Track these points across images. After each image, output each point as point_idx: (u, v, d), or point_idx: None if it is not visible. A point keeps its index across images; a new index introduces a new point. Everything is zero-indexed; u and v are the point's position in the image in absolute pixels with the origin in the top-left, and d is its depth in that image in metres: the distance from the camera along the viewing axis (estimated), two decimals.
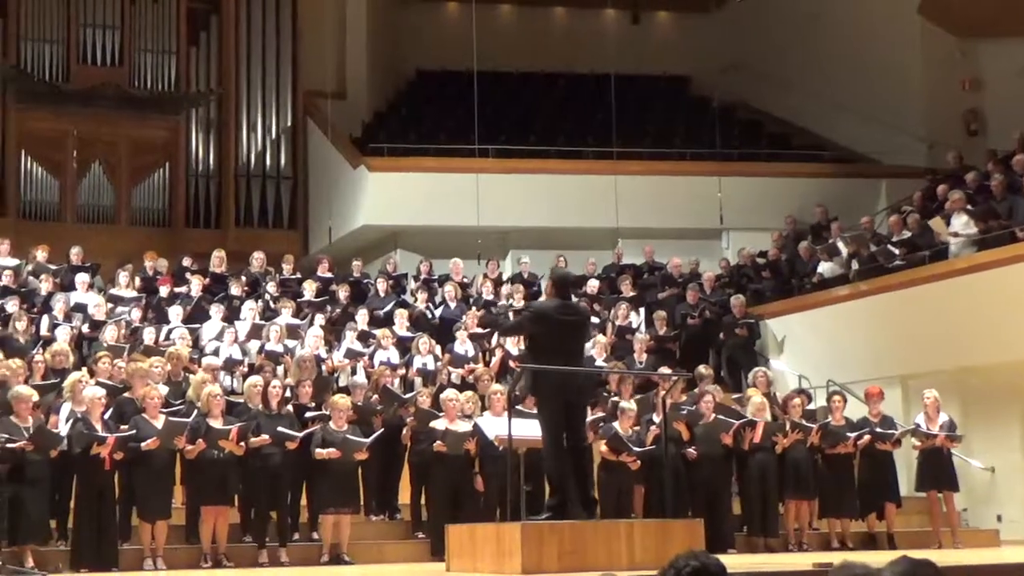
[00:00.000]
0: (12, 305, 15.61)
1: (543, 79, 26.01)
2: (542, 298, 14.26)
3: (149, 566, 11.37)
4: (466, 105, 21.42)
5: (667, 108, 25.57)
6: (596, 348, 15.86)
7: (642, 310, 18.76)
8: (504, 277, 19.75)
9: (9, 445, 10.71)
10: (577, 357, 10.32)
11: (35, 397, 11.40)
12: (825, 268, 18.55)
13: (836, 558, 9.97)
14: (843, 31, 23.47)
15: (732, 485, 13.61)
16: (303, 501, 12.67)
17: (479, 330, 16.74)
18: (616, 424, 12.94)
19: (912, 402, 15.73)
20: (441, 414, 12.89)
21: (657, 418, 12.84)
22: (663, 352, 17.42)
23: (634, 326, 17.94)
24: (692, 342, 18.29)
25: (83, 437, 11.13)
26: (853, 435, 13.73)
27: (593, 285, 18.80)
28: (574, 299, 11.02)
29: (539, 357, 9.92)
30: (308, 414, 12.67)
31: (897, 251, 17.11)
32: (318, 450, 12.08)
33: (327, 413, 12.50)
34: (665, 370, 14.87)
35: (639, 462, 12.84)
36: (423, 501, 13.05)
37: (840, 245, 18.48)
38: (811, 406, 14.95)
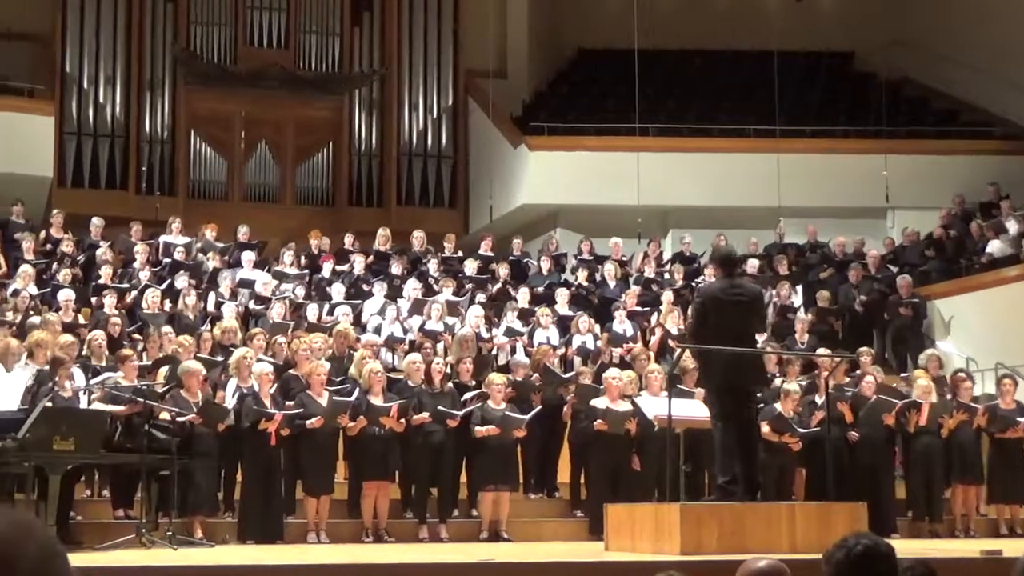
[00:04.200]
0: (182, 282, 15.99)
1: (704, 57, 25.75)
2: (709, 278, 14.09)
3: (312, 539, 11.58)
4: (627, 83, 21.33)
5: (830, 85, 25.15)
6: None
7: (800, 289, 18.50)
8: (664, 256, 19.67)
9: (179, 419, 10.99)
10: (747, 337, 10.04)
11: (203, 372, 11.69)
12: (994, 247, 18.09)
13: (1004, 545, 9.75)
14: (1013, 2, 22.79)
15: (895, 468, 13.37)
16: (463, 478, 12.78)
17: (638, 309, 16.69)
18: (778, 405, 12.80)
19: None
20: (602, 387, 12.86)
21: (820, 399, 12.70)
22: (825, 333, 17.17)
23: (795, 306, 17.72)
24: (855, 323, 18.00)
25: (252, 412, 11.38)
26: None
27: (753, 264, 18.61)
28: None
29: (709, 338, 9.80)
30: (468, 394, 12.75)
31: None
32: (477, 427, 12.16)
33: (486, 391, 12.58)
34: (827, 351, 14.65)
35: (801, 443, 12.69)
36: (582, 480, 13.06)
37: (1011, 224, 18.00)
38: (976, 390, 14.60)
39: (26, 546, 1.50)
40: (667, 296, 16.90)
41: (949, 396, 13.55)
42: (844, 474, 12.56)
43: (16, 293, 15.08)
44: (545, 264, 18.57)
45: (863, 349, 14.58)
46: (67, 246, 16.95)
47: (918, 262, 19.35)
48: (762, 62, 22.52)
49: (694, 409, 11.72)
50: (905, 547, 9.97)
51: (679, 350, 12.34)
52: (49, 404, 10.01)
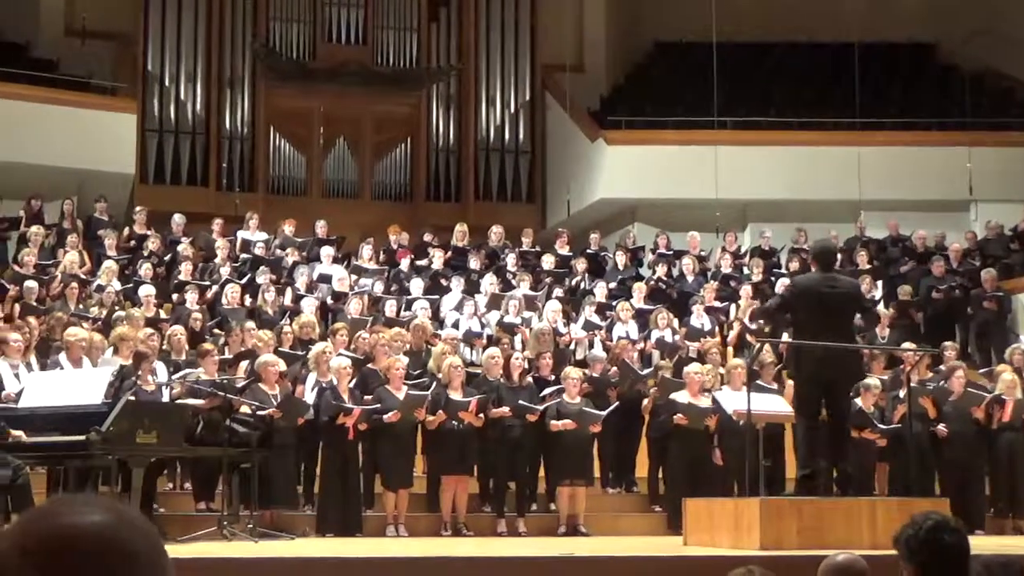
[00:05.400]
0: (262, 277, 16.13)
1: (783, 49, 25.53)
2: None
3: (391, 533, 11.63)
4: (705, 76, 21.21)
5: (912, 76, 24.85)
6: None
7: (880, 283, 18.31)
8: (743, 250, 19.56)
9: (260, 413, 11.09)
10: (843, 332, 9.93)
11: (281, 365, 11.78)
12: None
13: None
14: None
15: (987, 465, 13.18)
16: (541, 473, 12.77)
17: (716, 304, 16.61)
18: (858, 400, 12.68)
19: None
20: (682, 381, 12.81)
21: (903, 394, 12.56)
22: (907, 327, 16.99)
23: (875, 299, 17.54)
24: (937, 316, 17.80)
25: (330, 407, 11.45)
26: None
27: (831, 254, 18.39)
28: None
29: (802, 332, 9.73)
30: (548, 389, 12.74)
31: None
32: (553, 422, 12.15)
33: (562, 386, 12.57)
34: (909, 345, 14.50)
35: (884, 439, 12.57)
36: (660, 474, 13.02)
37: None
38: None
39: (140, 541, 1.51)
40: (745, 290, 16.81)
41: None
42: (928, 469, 12.42)
43: (100, 289, 15.28)
44: (622, 258, 18.54)
45: (947, 344, 14.42)
46: (153, 243, 17.15)
47: (1002, 255, 19.09)
48: (842, 54, 22.33)
49: (774, 404, 11.67)
50: (985, 543, 9.85)
51: (757, 344, 12.29)
52: (132, 398, 10.14)
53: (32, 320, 13.64)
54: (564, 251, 18.85)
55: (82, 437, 9.31)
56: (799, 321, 9.88)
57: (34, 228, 16.80)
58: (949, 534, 3.78)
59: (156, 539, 1.52)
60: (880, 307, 17.15)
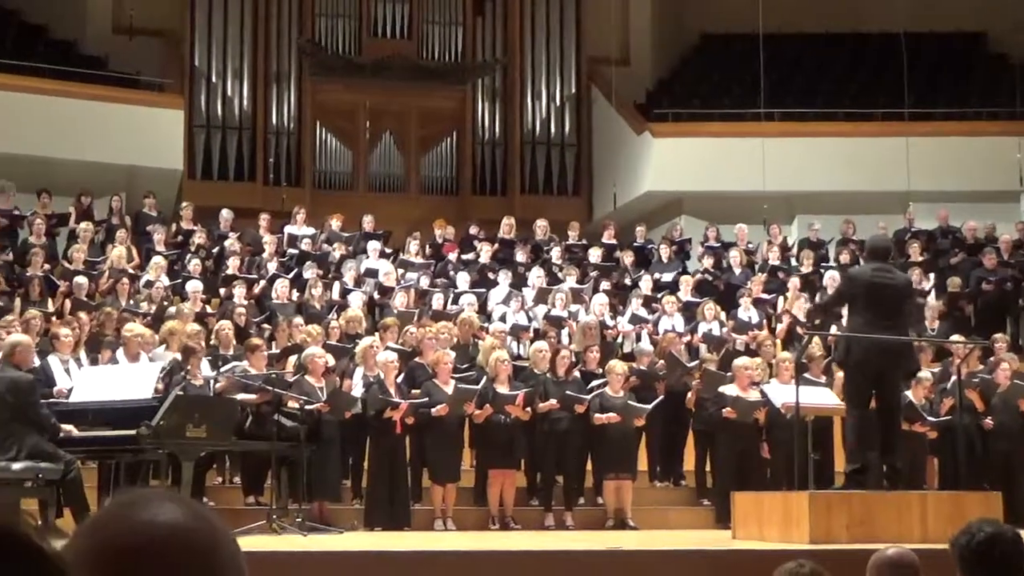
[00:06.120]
0: (309, 272, 16.18)
1: (830, 40, 25.36)
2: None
3: (439, 526, 11.66)
4: (751, 68, 21.13)
5: (961, 66, 24.63)
6: None
7: (932, 276, 18.18)
8: (790, 242, 19.47)
9: (308, 407, 11.14)
10: (897, 324, 9.90)
11: (329, 359, 11.82)
12: None
13: None
14: None
15: None
16: (589, 467, 12.76)
17: (764, 296, 16.54)
18: (909, 393, 12.60)
19: None
20: (728, 375, 12.77)
21: (950, 387, 12.47)
22: (957, 319, 16.86)
23: (925, 290, 17.41)
24: (988, 309, 17.64)
25: (377, 401, 11.48)
26: None
27: (886, 247, 18.27)
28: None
29: (856, 324, 9.70)
30: (595, 382, 12.73)
31: None
32: (596, 415, 12.14)
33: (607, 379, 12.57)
34: (959, 337, 14.39)
35: (935, 432, 12.49)
36: (708, 468, 12.98)
37: None
38: None
39: (217, 537, 1.49)
40: (793, 283, 16.72)
41: None
42: (978, 463, 12.33)
43: (149, 284, 15.38)
44: (666, 251, 18.48)
45: (997, 336, 14.29)
46: (200, 238, 17.24)
47: None
48: (889, 44, 22.15)
49: (823, 397, 11.61)
50: None
51: (806, 337, 12.23)
52: (181, 393, 10.20)
53: (82, 315, 13.74)
54: (610, 240, 18.81)
55: (132, 432, 9.38)
56: (854, 313, 9.85)
57: (83, 224, 16.93)
58: (1004, 545, 3.73)
59: (230, 534, 1.50)
60: (930, 299, 17.03)
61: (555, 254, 18.06)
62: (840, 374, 12.12)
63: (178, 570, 1.42)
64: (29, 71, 19.39)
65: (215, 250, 17.12)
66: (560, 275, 17.16)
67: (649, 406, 12.35)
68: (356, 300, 15.44)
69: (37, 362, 10.76)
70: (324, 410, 11.30)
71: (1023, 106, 21.52)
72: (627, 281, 17.57)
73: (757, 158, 20.01)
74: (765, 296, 16.59)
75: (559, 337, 14.84)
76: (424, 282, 16.64)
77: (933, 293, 17.61)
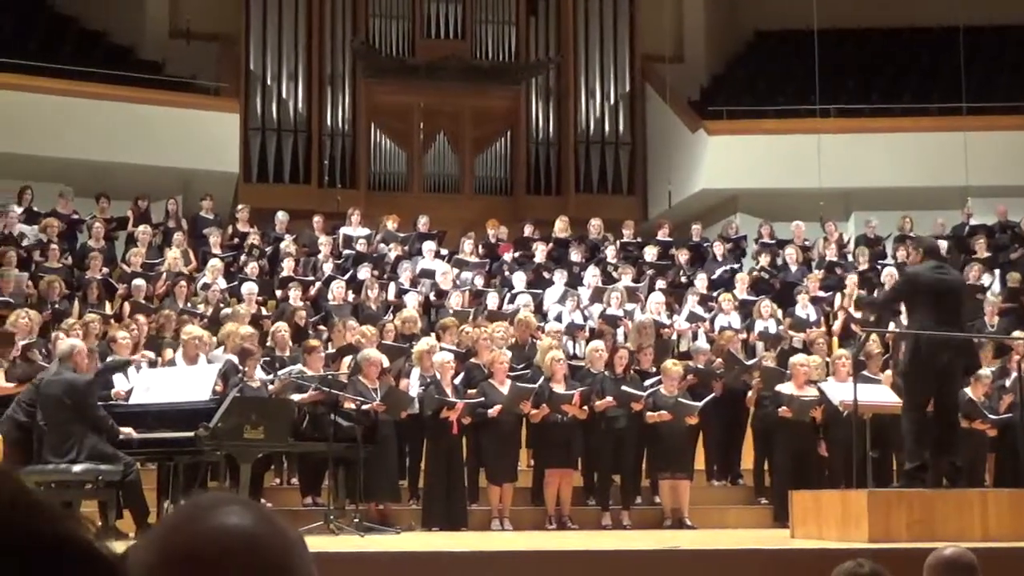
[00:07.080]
0: (364, 273, 16.23)
1: (886, 34, 25.17)
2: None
3: (496, 527, 11.66)
4: (806, 64, 20.99)
5: (1019, 60, 24.37)
6: None
7: (997, 272, 17.99)
8: (846, 239, 19.33)
9: (364, 407, 11.17)
10: (957, 322, 9.87)
11: (384, 361, 11.85)
12: None
13: None
14: None
15: None
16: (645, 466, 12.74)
17: (821, 293, 16.44)
18: (968, 390, 12.48)
19: None
20: (787, 372, 12.70)
21: (1009, 383, 12.35)
22: (1017, 315, 16.67)
23: (985, 286, 17.23)
24: None
25: (433, 401, 11.50)
26: None
27: (941, 246, 18.13)
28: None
29: (916, 322, 9.66)
30: (649, 380, 12.70)
31: None
32: (649, 413, 12.11)
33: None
34: (1019, 334, 14.24)
35: (995, 430, 12.37)
36: (766, 466, 12.92)
37: None
38: None
39: (289, 542, 1.47)
40: (851, 280, 16.60)
41: None
42: None
43: (206, 287, 15.49)
44: (722, 249, 18.40)
45: None
46: (255, 240, 17.34)
47: None
48: (946, 38, 21.95)
49: (880, 394, 11.52)
50: None
51: (863, 335, 12.15)
52: (238, 394, 10.26)
53: (141, 318, 13.86)
54: (665, 238, 18.76)
55: (191, 433, 9.45)
56: (917, 311, 9.79)
57: (141, 227, 17.07)
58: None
59: (302, 539, 1.49)
60: (989, 295, 16.86)
61: (610, 253, 18.01)
62: (888, 372, 12.07)
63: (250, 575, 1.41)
64: (88, 77, 19.57)
65: (270, 252, 17.21)
66: (615, 274, 17.12)
67: (700, 403, 12.30)
68: (412, 300, 15.48)
69: (98, 365, 10.87)
70: (380, 410, 11.32)
71: None
72: (682, 279, 17.51)
73: (812, 154, 19.88)
74: (822, 294, 16.49)
75: (615, 336, 14.80)
76: (479, 282, 16.66)
77: (995, 288, 17.42)
